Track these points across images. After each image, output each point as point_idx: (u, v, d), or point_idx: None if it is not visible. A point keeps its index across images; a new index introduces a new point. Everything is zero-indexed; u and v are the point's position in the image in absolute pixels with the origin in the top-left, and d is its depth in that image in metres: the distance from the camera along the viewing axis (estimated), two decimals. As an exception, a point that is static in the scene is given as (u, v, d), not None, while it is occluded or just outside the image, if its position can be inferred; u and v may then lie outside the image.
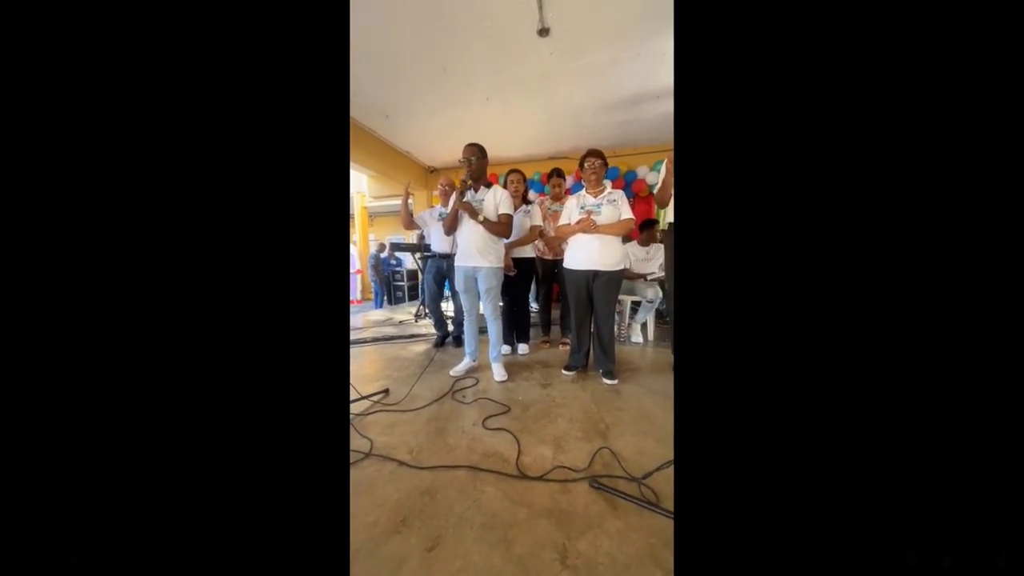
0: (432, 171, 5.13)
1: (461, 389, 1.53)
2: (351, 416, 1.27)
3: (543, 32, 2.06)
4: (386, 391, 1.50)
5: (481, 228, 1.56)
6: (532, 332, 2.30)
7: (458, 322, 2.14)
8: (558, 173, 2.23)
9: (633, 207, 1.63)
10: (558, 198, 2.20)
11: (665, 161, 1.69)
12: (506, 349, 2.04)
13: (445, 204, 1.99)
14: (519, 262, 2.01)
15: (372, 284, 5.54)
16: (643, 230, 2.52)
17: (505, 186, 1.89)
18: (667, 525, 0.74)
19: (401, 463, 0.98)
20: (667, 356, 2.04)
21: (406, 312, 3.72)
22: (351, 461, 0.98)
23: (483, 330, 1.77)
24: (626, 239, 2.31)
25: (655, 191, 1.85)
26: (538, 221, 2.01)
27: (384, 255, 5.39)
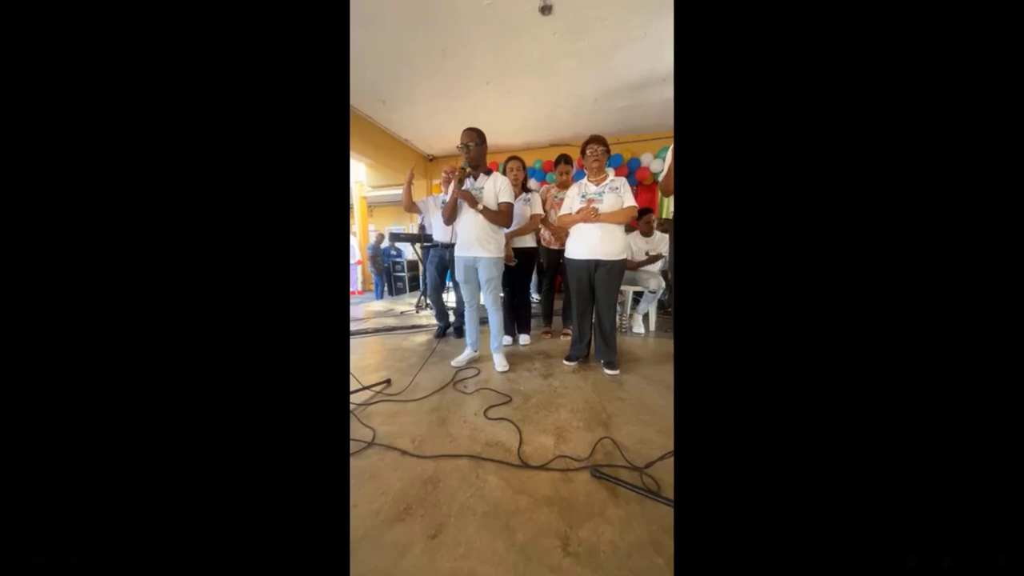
0: (431, 159, 5.05)
1: (463, 379, 1.54)
2: (353, 406, 1.28)
3: (545, 10, 1.98)
4: (388, 381, 1.51)
5: (481, 217, 1.54)
6: (533, 323, 2.30)
7: (459, 313, 2.14)
8: (565, 159, 2.09)
9: (636, 196, 1.60)
10: (565, 186, 2.06)
11: (670, 148, 1.65)
12: (507, 340, 2.04)
13: (448, 192, 1.96)
14: (520, 252, 1.99)
15: (372, 275, 5.53)
16: (638, 219, 2.48)
17: (504, 174, 1.85)
18: (669, 513, 0.75)
19: (404, 452, 0.99)
20: (669, 346, 2.04)
21: (407, 303, 3.73)
22: (354, 451, 0.99)
23: (484, 320, 1.76)
24: (629, 229, 2.28)
25: (660, 179, 1.81)
26: (538, 209, 1.97)
27: (384, 246, 5.36)
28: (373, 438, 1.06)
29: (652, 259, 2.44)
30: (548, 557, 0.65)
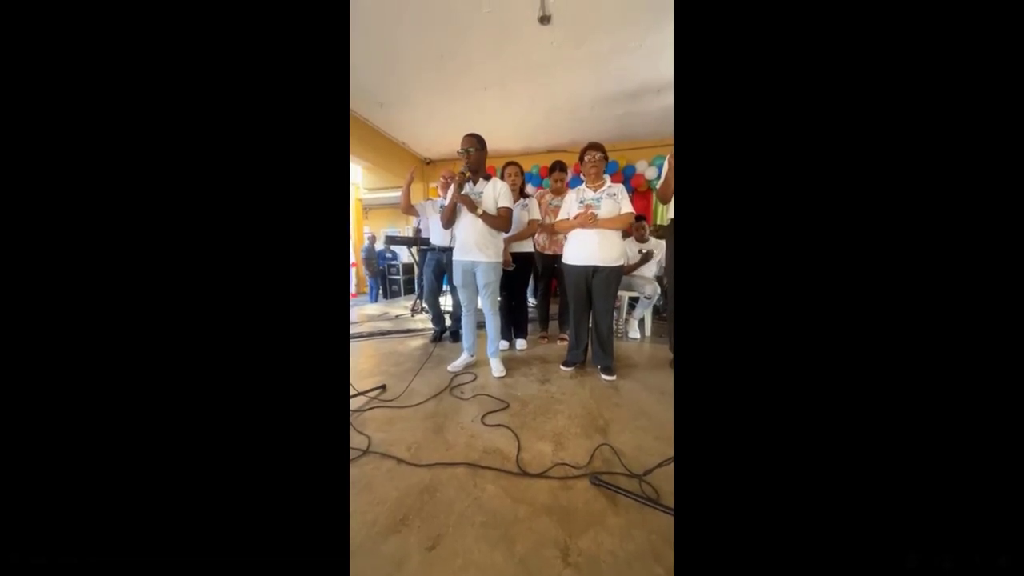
0: (429, 163, 5.05)
1: (459, 385, 1.52)
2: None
3: (544, 19, 2.01)
4: (383, 387, 1.49)
5: (480, 222, 1.54)
6: (530, 327, 2.29)
7: (456, 317, 2.12)
8: (560, 167, 2.10)
9: (631, 202, 1.61)
10: (559, 192, 2.08)
11: (668, 156, 1.67)
12: (504, 344, 2.03)
13: (446, 196, 1.95)
14: (517, 257, 1.99)
15: (366, 277, 5.48)
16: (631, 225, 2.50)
17: (502, 179, 1.85)
18: (668, 521, 0.74)
19: (400, 460, 0.97)
20: (664, 352, 2.05)
21: (402, 306, 3.69)
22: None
23: (481, 325, 1.75)
24: (625, 234, 2.29)
25: (658, 186, 1.83)
26: (536, 215, 1.98)
27: (379, 248, 5.32)
28: (368, 446, 1.04)
29: (646, 257, 2.45)
30: (548, 568, 0.64)
